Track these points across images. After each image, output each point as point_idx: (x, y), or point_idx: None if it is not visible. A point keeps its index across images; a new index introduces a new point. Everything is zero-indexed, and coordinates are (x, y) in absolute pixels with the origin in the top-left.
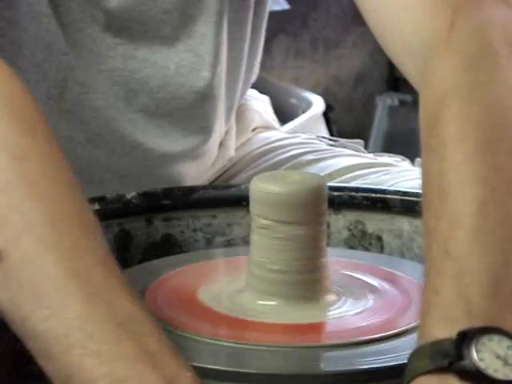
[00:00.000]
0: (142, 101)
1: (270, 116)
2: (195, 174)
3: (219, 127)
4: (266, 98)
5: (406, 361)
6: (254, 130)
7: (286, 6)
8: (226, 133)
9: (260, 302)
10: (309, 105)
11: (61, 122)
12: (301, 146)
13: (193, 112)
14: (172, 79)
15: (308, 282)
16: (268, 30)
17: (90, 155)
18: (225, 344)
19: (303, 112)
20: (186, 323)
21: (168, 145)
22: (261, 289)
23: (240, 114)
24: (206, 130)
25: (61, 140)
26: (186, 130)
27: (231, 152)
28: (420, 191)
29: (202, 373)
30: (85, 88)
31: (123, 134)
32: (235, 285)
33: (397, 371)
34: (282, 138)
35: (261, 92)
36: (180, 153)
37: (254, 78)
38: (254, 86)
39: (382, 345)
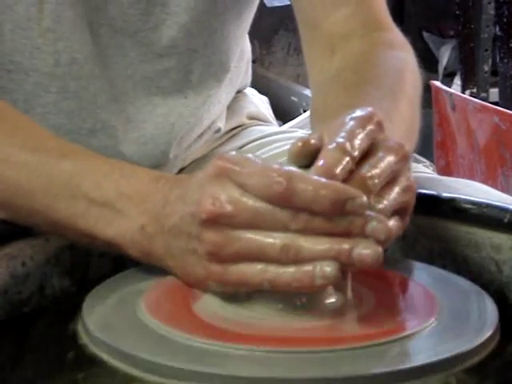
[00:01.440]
0: (110, 14)
1: (267, 112)
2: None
3: (205, 88)
4: (265, 99)
5: (407, 365)
6: (249, 119)
7: (287, 2)
8: (212, 102)
9: (265, 308)
10: (310, 103)
11: (46, 45)
12: None
13: (155, 36)
14: None
15: None
16: (268, 26)
17: (78, 76)
18: (228, 349)
19: (304, 110)
20: (186, 328)
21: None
22: (266, 293)
23: (234, 101)
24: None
25: (49, 67)
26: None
27: (219, 125)
28: (422, 191)
29: (202, 377)
30: None
31: (98, 51)
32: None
33: (398, 375)
34: (278, 131)
35: (261, 90)
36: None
37: (240, 45)
38: (254, 85)
39: (386, 348)
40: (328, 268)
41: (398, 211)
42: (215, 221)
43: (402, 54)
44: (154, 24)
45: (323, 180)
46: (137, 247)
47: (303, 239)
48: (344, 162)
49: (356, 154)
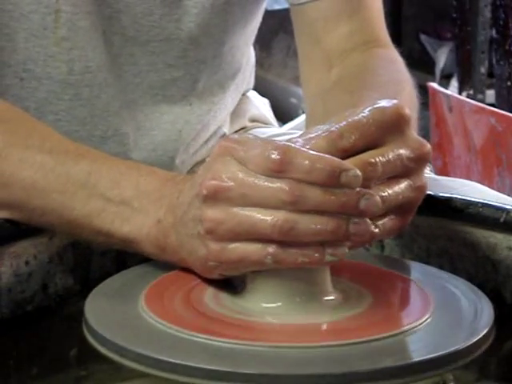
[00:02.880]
0: (123, 23)
1: (268, 114)
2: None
3: (209, 93)
4: (266, 101)
5: (404, 361)
6: (251, 121)
7: (286, 5)
8: (219, 108)
9: (263, 304)
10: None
11: (61, 53)
12: None
13: (166, 47)
14: (156, 9)
15: (310, 282)
16: (268, 28)
17: (91, 84)
18: (226, 345)
19: (303, 112)
20: (188, 324)
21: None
22: (265, 290)
23: (237, 104)
24: (184, 81)
25: (63, 75)
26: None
27: (224, 129)
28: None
29: (205, 374)
30: (76, 8)
31: (111, 59)
32: (238, 286)
33: (395, 371)
34: (278, 133)
35: (261, 92)
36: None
37: (246, 49)
38: (254, 87)
39: (382, 345)
40: (337, 247)
41: (400, 207)
42: (215, 196)
43: (401, 68)
44: (166, 37)
45: (319, 153)
46: (153, 242)
47: (298, 215)
48: (324, 151)
49: (346, 144)
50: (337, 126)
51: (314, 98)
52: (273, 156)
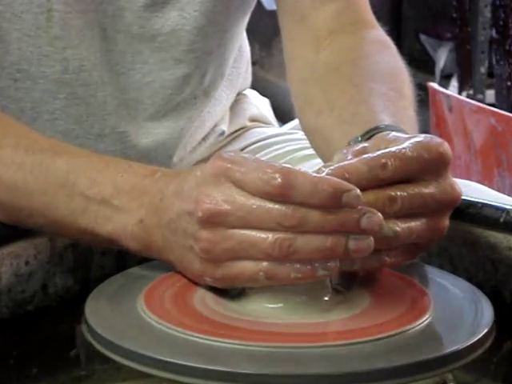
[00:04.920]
0: (127, 20)
1: (269, 114)
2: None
3: (212, 90)
4: (266, 101)
5: (404, 361)
6: (251, 121)
7: None
8: (213, 103)
9: (264, 304)
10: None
11: (55, 52)
12: (297, 141)
13: (173, 39)
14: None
15: (310, 283)
16: (268, 28)
17: (86, 82)
18: (227, 345)
19: None
20: (188, 324)
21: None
22: (265, 291)
23: (236, 103)
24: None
25: (57, 74)
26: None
27: (223, 127)
28: None
29: (205, 374)
30: (67, 7)
31: (110, 58)
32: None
33: (395, 371)
34: (278, 133)
35: (261, 92)
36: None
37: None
38: (254, 87)
39: (382, 345)
40: (329, 262)
41: (414, 244)
42: (211, 219)
43: (394, 52)
44: (172, 28)
45: (319, 175)
46: (137, 240)
47: (298, 234)
48: (363, 176)
49: (385, 175)
50: (381, 153)
51: (305, 81)
52: (274, 180)
